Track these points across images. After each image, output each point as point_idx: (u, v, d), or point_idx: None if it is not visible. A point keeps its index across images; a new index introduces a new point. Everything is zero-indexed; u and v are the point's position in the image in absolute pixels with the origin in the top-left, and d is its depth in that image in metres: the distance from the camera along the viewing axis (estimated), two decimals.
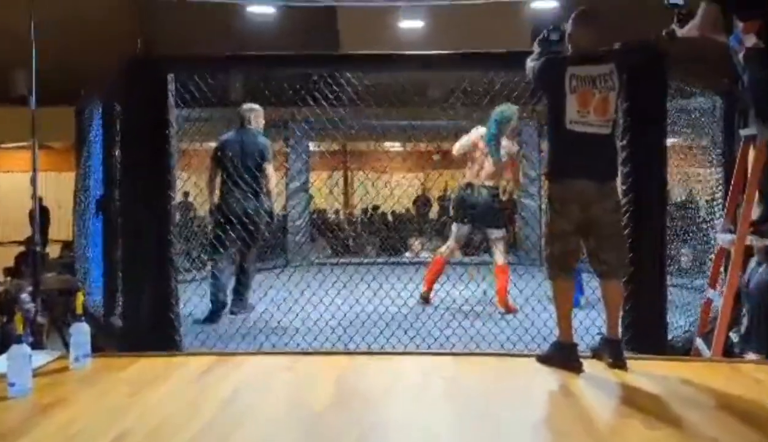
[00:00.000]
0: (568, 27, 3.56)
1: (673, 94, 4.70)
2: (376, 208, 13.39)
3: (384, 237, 10.30)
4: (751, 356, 4.22)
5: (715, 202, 5.50)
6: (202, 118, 6.38)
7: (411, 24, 10.86)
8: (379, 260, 8.76)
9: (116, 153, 4.72)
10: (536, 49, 3.71)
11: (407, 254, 9.67)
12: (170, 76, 4.25)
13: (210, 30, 10.01)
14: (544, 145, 6.01)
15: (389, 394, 3.20)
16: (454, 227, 5.74)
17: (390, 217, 12.67)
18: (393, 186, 10.54)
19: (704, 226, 5.73)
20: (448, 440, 2.61)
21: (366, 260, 8.41)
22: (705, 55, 5.23)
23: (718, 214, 5.28)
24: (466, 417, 2.87)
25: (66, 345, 5.76)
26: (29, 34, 5.18)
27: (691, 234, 5.87)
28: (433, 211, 14.32)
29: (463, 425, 2.77)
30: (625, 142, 4.05)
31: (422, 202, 14.31)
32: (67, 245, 10.58)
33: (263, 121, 5.85)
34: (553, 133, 3.57)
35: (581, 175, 3.46)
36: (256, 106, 5.76)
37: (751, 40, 3.63)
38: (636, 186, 4.06)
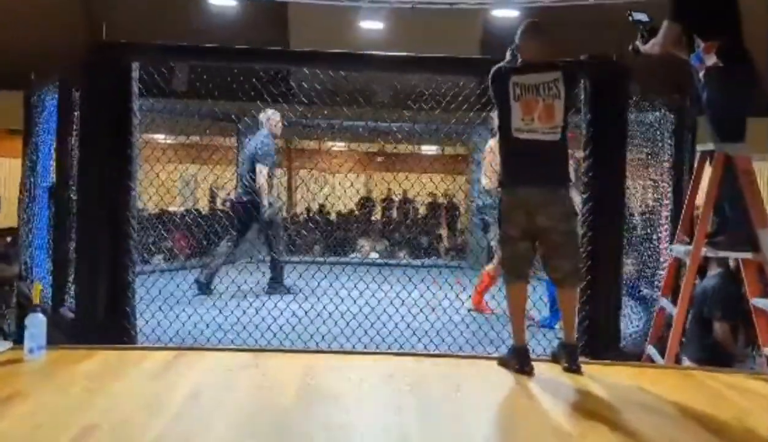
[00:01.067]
0: (516, 38, 3.65)
1: (630, 108, 4.84)
2: (321, 207, 13.35)
3: (330, 237, 10.28)
4: (686, 362, 4.41)
5: (660, 215, 5.68)
6: (144, 108, 6.29)
7: (371, 25, 10.87)
8: (323, 259, 8.74)
9: (71, 141, 4.58)
10: (508, 57, 3.78)
11: (354, 255, 9.68)
12: (135, 65, 4.16)
13: (163, 18, 9.82)
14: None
15: (354, 394, 3.18)
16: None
17: (334, 218, 12.65)
18: (336, 186, 10.53)
19: (646, 237, 5.90)
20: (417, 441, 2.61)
21: (312, 260, 8.38)
22: (657, 70, 5.45)
23: (665, 226, 5.46)
24: (434, 420, 2.87)
25: (5, 336, 5.57)
26: None
27: (635, 245, 6.04)
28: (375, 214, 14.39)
29: (428, 428, 2.77)
30: (587, 152, 4.16)
31: (366, 203, 14.33)
32: (0, 233, 10.19)
33: (278, 124, 6.46)
34: (502, 142, 3.64)
35: (527, 183, 3.53)
36: (270, 111, 6.39)
37: (711, 60, 3.78)
38: (595, 195, 4.17)
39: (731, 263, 4.07)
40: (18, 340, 3.49)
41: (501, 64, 3.68)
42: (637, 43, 4.12)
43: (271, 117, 6.41)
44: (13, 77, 6.31)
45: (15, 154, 7.22)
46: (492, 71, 3.64)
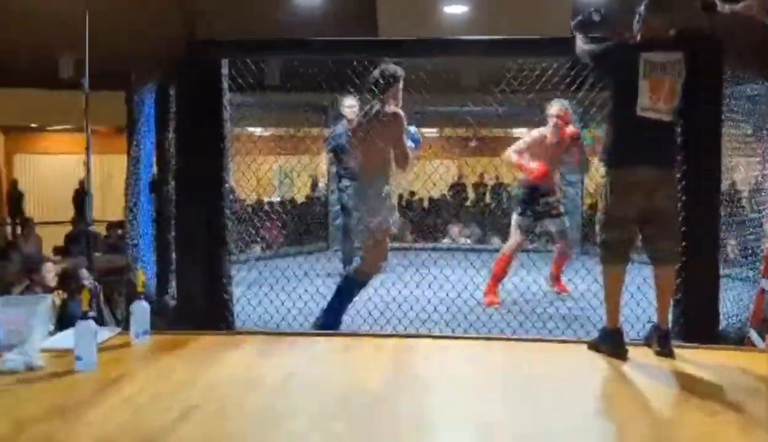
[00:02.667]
0: (641, 9, 3.53)
1: (727, 80, 4.63)
2: (412, 194, 13.40)
3: (421, 223, 10.33)
4: None
5: (762, 192, 5.42)
6: (243, 103, 6.53)
7: (454, 9, 10.80)
8: (417, 245, 8.80)
9: (169, 136, 4.80)
10: (577, 32, 3.70)
11: (445, 240, 9.69)
12: (224, 61, 4.32)
13: (252, 15, 10.09)
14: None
15: (442, 379, 3.22)
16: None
17: (426, 203, 12.68)
18: (429, 172, 10.52)
19: (753, 215, 5.65)
20: (506, 427, 2.61)
21: (403, 246, 8.45)
22: (749, 38, 5.16)
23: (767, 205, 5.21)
24: (522, 404, 2.88)
25: (117, 322, 5.92)
26: (80, 20, 5.29)
27: (738, 224, 5.79)
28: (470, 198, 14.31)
29: (518, 411, 2.79)
30: (680, 129, 4.01)
31: (458, 189, 14.28)
32: (111, 226, 10.78)
33: (352, 113, 6.32)
34: (619, 119, 3.53)
35: (646, 163, 3.46)
36: (347, 100, 6.38)
37: None
38: (690, 174, 4.02)
39: None
40: (128, 326, 3.71)
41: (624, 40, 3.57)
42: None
43: (347, 105, 6.46)
44: (117, 78, 6.63)
45: (122, 150, 7.61)
46: (614, 45, 3.56)
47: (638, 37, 3.55)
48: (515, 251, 5.40)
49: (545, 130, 5.58)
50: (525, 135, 5.80)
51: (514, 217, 5.53)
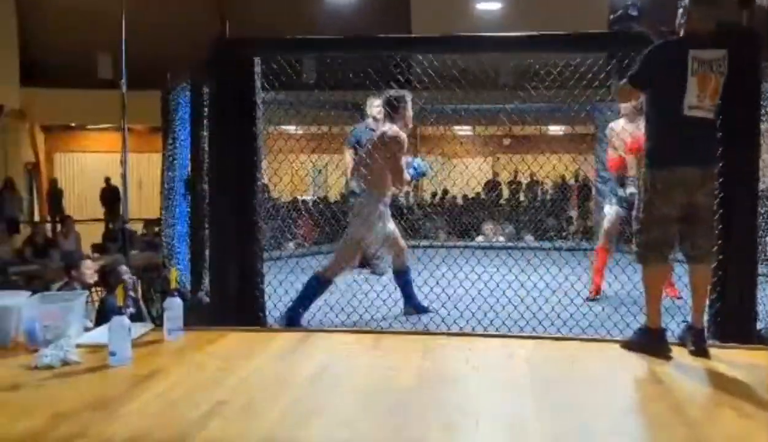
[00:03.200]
0: (686, 3, 3.48)
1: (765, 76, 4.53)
2: (446, 192, 13.39)
3: (455, 221, 10.30)
4: None
5: None
6: (278, 101, 6.58)
7: (487, 5, 10.74)
8: (450, 243, 8.78)
9: (203, 134, 4.86)
10: (616, 27, 3.66)
11: (479, 238, 9.65)
12: (257, 59, 4.35)
13: (287, 13, 10.16)
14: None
15: (472, 376, 3.21)
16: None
17: (460, 201, 12.65)
18: (462, 170, 10.51)
19: None
20: (537, 426, 2.59)
21: (437, 244, 8.44)
22: None
23: None
24: (553, 404, 2.85)
25: (152, 319, 6.02)
26: (118, 20, 5.39)
27: None
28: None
29: (550, 412, 2.75)
30: (717, 125, 3.94)
31: (492, 186, 14.23)
32: (148, 224, 10.96)
33: (373, 110, 6.49)
34: (664, 118, 3.46)
35: (690, 162, 3.42)
36: (375, 100, 6.33)
37: None
38: (727, 170, 3.95)
39: None
40: (162, 322, 3.77)
41: (670, 38, 3.51)
42: None
43: (368, 102, 6.65)
44: (154, 77, 6.74)
45: (158, 149, 7.73)
46: (663, 44, 3.49)
47: (682, 33, 3.50)
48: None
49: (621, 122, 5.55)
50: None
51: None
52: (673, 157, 3.44)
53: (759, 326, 4.12)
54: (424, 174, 5.06)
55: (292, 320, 4.53)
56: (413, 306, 4.89)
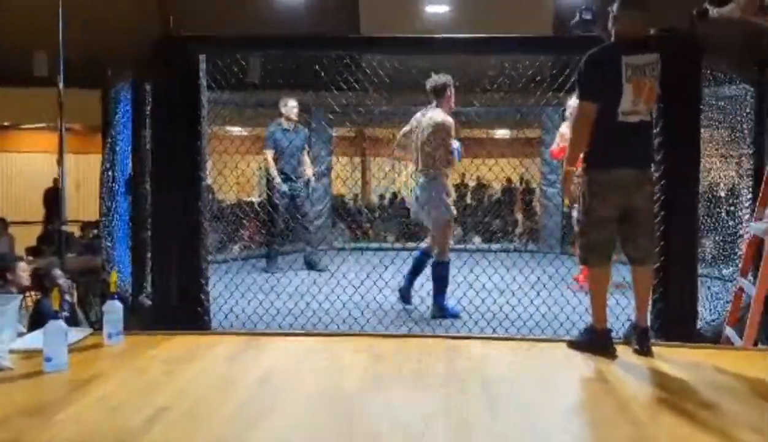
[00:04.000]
0: (614, 9, 3.52)
1: (705, 82, 4.66)
2: (394, 195, 13.38)
3: (404, 223, 10.30)
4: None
5: (740, 192, 5.45)
6: (222, 101, 6.53)
7: (436, 8, 10.79)
8: (398, 245, 8.76)
9: (145, 134, 4.74)
10: (575, 32, 3.69)
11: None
12: (202, 57, 4.26)
13: (232, 11, 10.02)
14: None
15: (420, 378, 3.19)
16: None
17: (408, 205, 12.67)
18: (411, 172, 10.50)
19: (728, 216, 5.69)
20: (485, 427, 2.58)
21: (385, 246, 8.42)
22: (735, 40, 5.20)
23: (745, 205, 5.24)
24: (499, 403, 2.85)
25: (91, 323, 5.84)
26: (55, 16, 5.21)
27: (715, 224, 5.83)
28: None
29: (497, 410, 2.76)
30: (658, 128, 4.02)
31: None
32: (86, 226, 10.66)
33: (287, 110, 6.85)
34: (600, 123, 3.46)
35: (624, 164, 3.46)
36: (291, 101, 6.85)
37: None
38: (669, 173, 4.04)
39: None
40: (101, 327, 3.64)
41: (604, 44, 3.54)
42: (706, 5, 3.94)
43: (287, 104, 6.86)
44: (91, 75, 6.56)
45: (97, 149, 7.52)
46: (598, 51, 3.50)
47: (612, 38, 3.54)
48: None
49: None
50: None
51: None
52: (610, 161, 3.47)
53: (699, 324, 4.23)
54: (459, 155, 5.22)
55: (444, 310, 4.78)
56: (439, 307, 4.90)
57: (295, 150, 6.91)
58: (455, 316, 4.78)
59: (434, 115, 5.02)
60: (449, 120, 5.02)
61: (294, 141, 6.88)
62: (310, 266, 6.98)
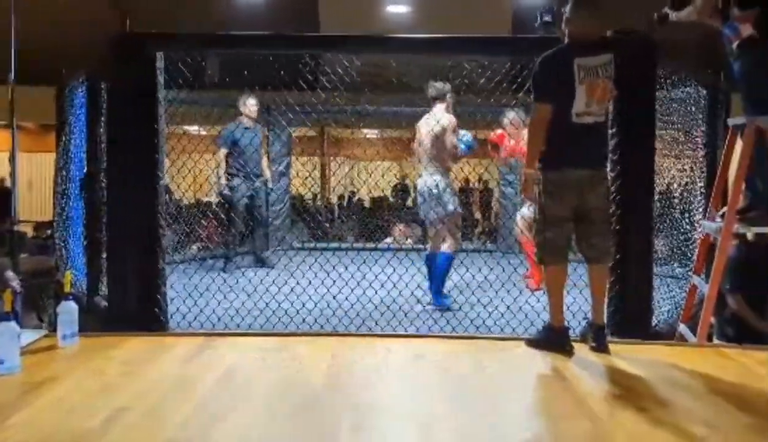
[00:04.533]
0: (567, 11, 3.56)
1: (660, 83, 4.75)
2: (353, 193, 13.38)
3: (363, 223, 10.30)
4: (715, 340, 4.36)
5: (693, 192, 5.57)
6: (181, 99, 6.44)
7: (396, 8, 10.81)
8: (358, 245, 8.76)
9: (101, 132, 4.66)
10: (541, 32, 3.73)
11: (388, 240, 9.67)
12: (159, 55, 4.20)
13: (190, 8, 9.90)
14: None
15: (382, 377, 3.20)
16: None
17: (367, 204, 12.67)
18: (370, 172, 10.52)
19: (680, 215, 5.80)
20: (446, 425, 2.59)
21: (345, 246, 8.40)
22: (688, 42, 5.32)
23: (697, 204, 5.36)
24: (461, 402, 2.87)
25: (44, 325, 5.71)
26: (6, 11, 5.08)
27: (670, 223, 5.95)
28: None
29: (458, 408, 2.77)
30: (614, 129, 4.09)
31: (400, 189, 14.33)
32: (39, 226, 10.43)
33: (247, 108, 6.89)
34: (554, 124, 3.50)
35: (579, 164, 3.50)
36: (251, 99, 6.88)
37: (747, 30, 3.68)
38: (625, 173, 4.11)
39: (749, 236, 3.97)
40: (55, 328, 3.57)
41: (557, 46, 3.57)
42: (666, 10, 4.04)
43: (247, 102, 6.87)
44: (45, 73, 6.42)
45: (49, 148, 7.36)
46: (550, 54, 3.53)
47: (566, 40, 3.59)
48: None
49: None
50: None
51: None
52: (564, 161, 3.51)
53: (654, 322, 4.31)
54: (471, 147, 5.54)
55: (443, 301, 5.02)
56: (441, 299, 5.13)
57: (254, 149, 6.87)
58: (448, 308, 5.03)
59: (440, 116, 5.32)
60: (453, 119, 5.36)
61: (253, 140, 6.84)
62: (260, 262, 7.02)
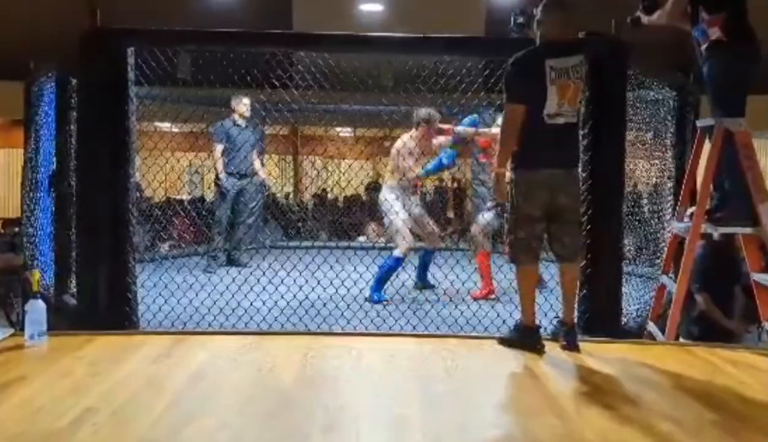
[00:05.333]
0: (538, 14, 3.59)
1: (630, 85, 4.81)
2: (324, 191, 13.33)
3: (336, 222, 10.29)
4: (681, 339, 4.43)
5: (662, 193, 5.65)
6: (149, 97, 6.42)
7: (370, 7, 10.79)
8: (331, 243, 8.74)
9: (70, 128, 4.60)
10: (515, 35, 3.76)
11: (361, 239, 9.68)
12: (130, 50, 4.16)
13: (161, 4, 9.79)
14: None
15: (354, 375, 3.20)
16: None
17: (341, 203, 12.64)
18: (343, 171, 10.49)
19: (648, 216, 5.88)
20: (418, 421, 2.60)
21: (318, 244, 8.38)
22: (658, 45, 5.39)
23: (666, 205, 5.44)
24: (433, 400, 2.88)
25: (11, 324, 5.63)
26: None
27: (639, 223, 6.02)
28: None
29: (430, 407, 2.78)
30: (586, 130, 4.13)
31: (374, 188, 14.31)
32: (7, 223, 10.27)
33: (240, 107, 6.92)
34: (527, 126, 3.52)
35: (550, 164, 3.53)
36: (245, 98, 6.91)
37: (715, 33, 3.74)
38: (596, 174, 4.15)
39: (715, 236, 4.04)
40: (23, 327, 3.52)
41: (529, 48, 3.59)
42: (639, 13, 4.10)
43: (241, 101, 6.90)
44: (14, 67, 6.32)
45: (17, 144, 7.26)
46: (522, 55, 3.55)
47: (537, 42, 3.62)
48: None
49: None
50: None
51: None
52: (535, 161, 3.54)
53: (623, 321, 4.37)
54: (450, 164, 5.91)
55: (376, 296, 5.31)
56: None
57: (248, 147, 6.89)
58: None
59: (401, 140, 5.81)
60: (411, 144, 5.75)
61: (248, 138, 6.90)
62: (233, 262, 6.97)
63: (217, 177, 6.94)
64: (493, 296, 5.50)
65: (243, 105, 6.89)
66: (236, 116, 6.92)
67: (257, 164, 7.24)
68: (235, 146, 6.77)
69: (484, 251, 5.70)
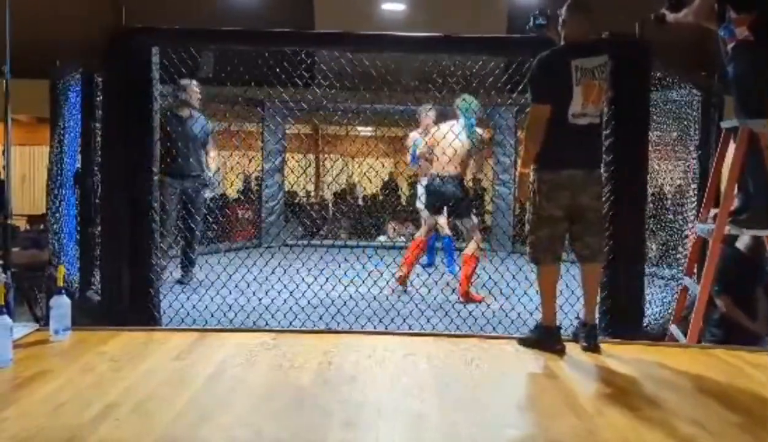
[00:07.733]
0: (562, 14, 3.58)
1: (654, 85, 4.77)
2: (343, 192, 13.35)
3: (356, 220, 10.30)
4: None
5: (686, 194, 5.60)
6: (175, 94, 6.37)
7: (392, 6, 10.81)
8: (351, 242, 8.77)
9: (95, 126, 4.65)
10: (533, 34, 3.75)
11: (381, 238, 9.68)
12: (155, 49, 4.20)
13: (185, 3, 9.89)
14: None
15: (373, 374, 3.20)
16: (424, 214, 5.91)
17: (360, 202, 12.66)
18: (364, 170, 10.48)
19: (673, 217, 5.83)
20: (436, 422, 2.60)
21: (338, 243, 8.41)
22: (684, 45, 5.34)
23: (690, 206, 5.38)
24: (452, 399, 2.88)
25: (36, 319, 5.70)
26: (1, 5, 5.05)
27: (662, 224, 5.97)
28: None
29: (449, 407, 2.78)
30: (608, 131, 4.10)
31: (391, 187, 14.31)
32: (32, 220, 10.38)
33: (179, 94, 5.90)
34: (552, 126, 3.50)
35: (573, 165, 3.52)
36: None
37: (743, 33, 3.69)
38: (618, 175, 4.12)
39: (740, 239, 3.99)
40: (48, 323, 3.57)
41: (554, 47, 3.59)
42: (664, 11, 4.05)
43: (188, 87, 5.85)
44: (39, 66, 6.39)
45: (42, 142, 7.34)
46: (547, 55, 3.54)
47: (562, 42, 3.60)
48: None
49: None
50: None
51: None
52: (558, 162, 3.53)
53: (645, 322, 4.34)
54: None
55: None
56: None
57: (189, 142, 5.83)
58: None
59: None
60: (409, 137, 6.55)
61: (189, 132, 5.85)
62: (183, 267, 6.00)
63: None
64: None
65: (189, 91, 5.85)
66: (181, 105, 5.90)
67: (210, 161, 6.20)
68: (172, 140, 5.64)
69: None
